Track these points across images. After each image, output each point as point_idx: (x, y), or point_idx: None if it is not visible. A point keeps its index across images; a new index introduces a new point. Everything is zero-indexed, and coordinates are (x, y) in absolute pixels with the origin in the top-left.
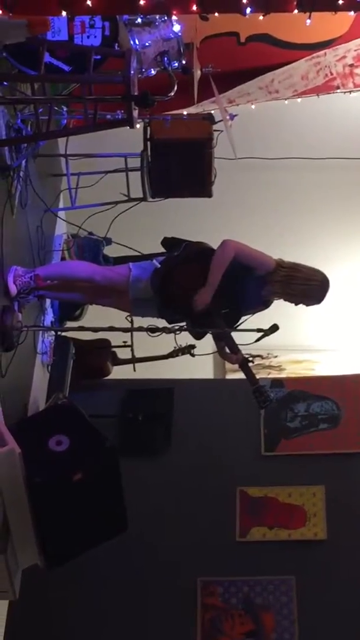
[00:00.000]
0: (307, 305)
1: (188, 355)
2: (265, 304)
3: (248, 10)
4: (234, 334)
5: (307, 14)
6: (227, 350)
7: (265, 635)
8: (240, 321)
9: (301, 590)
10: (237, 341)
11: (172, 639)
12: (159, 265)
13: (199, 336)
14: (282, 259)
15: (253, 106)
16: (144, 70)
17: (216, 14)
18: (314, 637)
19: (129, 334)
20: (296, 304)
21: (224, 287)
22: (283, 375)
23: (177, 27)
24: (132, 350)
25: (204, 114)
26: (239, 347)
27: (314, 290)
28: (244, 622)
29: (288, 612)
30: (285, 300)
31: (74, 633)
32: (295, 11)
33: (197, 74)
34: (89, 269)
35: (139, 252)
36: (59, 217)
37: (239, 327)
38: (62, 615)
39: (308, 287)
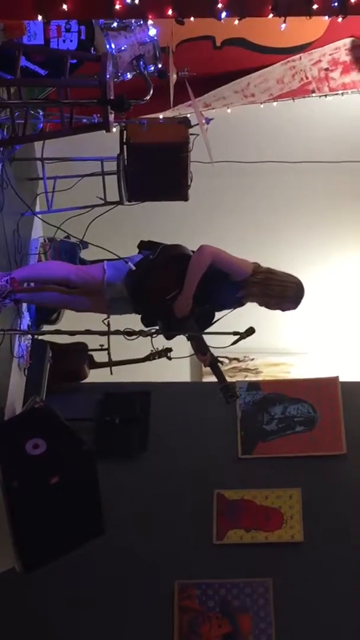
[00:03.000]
0: (284, 309)
1: (165, 359)
2: (240, 303)
3: (223, 14)
4: (209, 337)
5: (282, 18)
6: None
7: (243, 638)
8: (215, 319)
9: (278, 592)
10: (214, 344)
11: None
12: (134, 267)
13: (170, 336)
14: (259, 263)
15: (229, 110)
16: (120, 74)
17: (192, 19)
18: (291, 639)
19: (106, 337)
20: (273, 308)
21: (200, 291)
22: (259, 378)
23: (153, 31)
24: (108, 353)
25: (180, 117)
26: (215, 349)
27: (291, 290)
28: (221, 625)
29: (265, 614)
30: (261, 304)
31: (51, 636)
32: (270, 15)
33: (173, 77)
34: (65, 268)
35: (116, 255)
36: (39, 218)
37: (216, 330)
38: (40, 618)
39: (285, 287)
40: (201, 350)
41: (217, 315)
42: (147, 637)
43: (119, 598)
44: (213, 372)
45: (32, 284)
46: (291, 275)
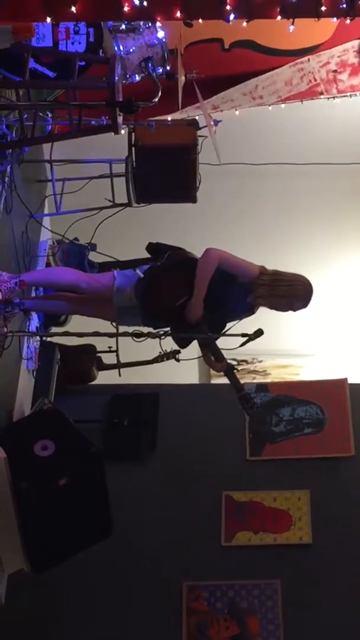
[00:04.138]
0: (295, 308)
1: (173, 361)
2: (251, 310)
3: (232, 16)
4: (218, 339)
5: (290, 20)
6: (212, 358)
7: (251, 639)
8: (226, 328)
9: (286, 594)
10: (222, 346)
11: None
12: (142, 275)
13: (183, 344)
14: (265, 266)
15: (237, 112)
16: (128, 76)
17: (200, 21)
18: None
19: (114, 339)
20: (283, 309)
21: (208, 295)
22: (268, 380)
23: (161, 34)
24: (117, 355)
25: (189, 119)
26: (224, 352)
27: (299, 289)
28: (229, 627)
29: (273, 616)
30: (271, 306)
31: (59, 637)
32: (279, 17)
33: (182, 80)
34: (74, 275)
35: (120, 260)
36: (43, 226)
37: (224, 332)
38: (48, 619)
39: (294, 287)
40: (216, 358)
41: (229, 325)
42: (156, 639)
43: (127, 599)
44: (229, 379)
45: (40, 290)
46: (298, 275)
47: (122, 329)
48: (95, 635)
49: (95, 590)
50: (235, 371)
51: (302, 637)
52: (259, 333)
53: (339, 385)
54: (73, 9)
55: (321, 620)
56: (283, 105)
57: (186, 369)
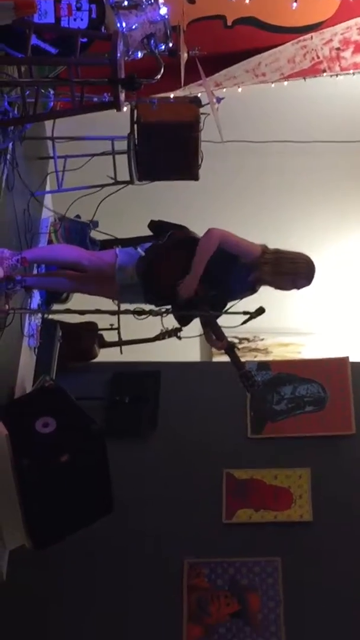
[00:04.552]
0: (299, 286)
1: (175, 338)
2: (252, 289)
3: None
4: (220, 317)
5: None
6: (214, 336)
7: (251, 616)
8: (228, 307)
9: (287, 571)
10: (224, 324)
11: (158, 619)
12: (144, 253)
13: (184, 321)
14: (266, 245)
15: (240, 89)
16: (130, 53)
17: None
18: (300, 618)
19: (116, 316)
20: (286, 287)
21: (210, 275)
22: (269, 358)
23: (163, 10)
24: (118, 332)
25: (191, 97)
26: (226, 330)
27: (302, 267)
28: (229, 603)
29: (274, 593)
30: (274, 285)
31: (60, 613)
32: None
33: (184, 57)
34: (76, 252)
35: (121, 238)
36: (45, 205)
37: (226, 311)
38: (49, 597)
39: (296, 264)
40: (217, 336)
41: (230, 304)
42: (156, 615)
43: (127, 576)
44: (230, 357)
45: (42, 268)
46: (300, 253)
47: (123, 306)
48: (96, 612)
49: (96, 567)
50: (236, 349)
51: (303, 614)
52: (260, 311)
53: (341, 363)
54: None
55: (322, 597)
56: (286, 83)
57: (187, 346)
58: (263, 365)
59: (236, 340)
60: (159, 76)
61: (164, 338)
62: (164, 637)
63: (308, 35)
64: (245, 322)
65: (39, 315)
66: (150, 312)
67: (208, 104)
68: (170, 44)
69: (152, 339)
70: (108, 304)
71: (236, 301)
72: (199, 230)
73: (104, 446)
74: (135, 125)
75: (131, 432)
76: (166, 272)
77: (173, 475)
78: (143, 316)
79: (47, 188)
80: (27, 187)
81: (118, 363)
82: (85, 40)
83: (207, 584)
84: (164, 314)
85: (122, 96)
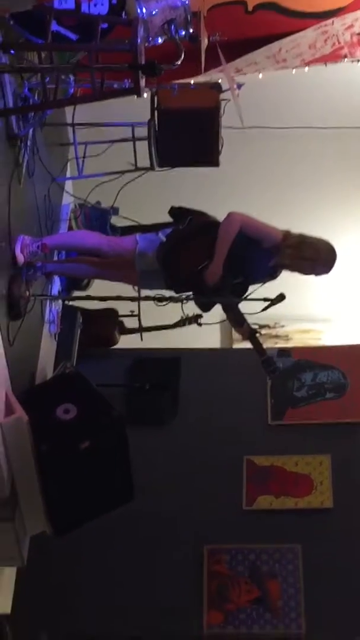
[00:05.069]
0: (318, 273)
1: (195, 325)
2: (273, 275)
3: None
4: (241, 304)
5: None
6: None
7: (271, 603)
8: (248, 292)
9: (307, 558)
10: (244, 310)
11: (179, 605)
12: (164, 239)
13: (206, 307)
14: (289, 230)
15: (260, 75)
16: (150, 38)
17: None
18: (320, 605)
19: (136, 303)
20: (306, 272)
21: (231, 260)
22: (290, 345)
23: None
24: (139, 319)
25: (212, 83)
26: (246, 317)
27: (324, 253)
28: (250, 590)
29: (294, 580)
30: (294, 269)
31: (82, 599)
32: None
33: (205, 42)
34: (97, 239)
35: (140, 223)
36: (65, 191)
37: (246, 297)
38: (70, 583)
39: (318, 250)
40: (238, 322)
41: (250, 289)
42: (177, 601)
43: (149, 562)
44: (252, 343)
45: (62, 254)
46: (323, 239)
47: (144, 292)
48: (117, 598)
49: (117, 554)
50: (258, 335)
51: (323, 601)
52: (280, 298)
53: None
54: None
55: (342, 584)
56: (306, 69)
57: (208, 333)
58: (284, 352)
59: (256, 327)
60: (179, 62)
61: (184, 325)
62: (185, 623)
63: (329, 21)
64: (265, 308)
65: (60, 301)
66: (171, 299)
67: (228, 89)
68: (191, 30)
69: (172, 325)
70: (128, 290)
71: (257, 287)
72: (220, 217)
73: (125, 433)
74: (156, 112)
75: (152, 419)
76: (187, 257)
77: (193, 462)
78: (164, 303)
79: (68, 174)
80: (49, 172)
81: (138, 350)
82: (105, 26)
83: (228, 571)
84: (185, 301)
85: (143, 82)
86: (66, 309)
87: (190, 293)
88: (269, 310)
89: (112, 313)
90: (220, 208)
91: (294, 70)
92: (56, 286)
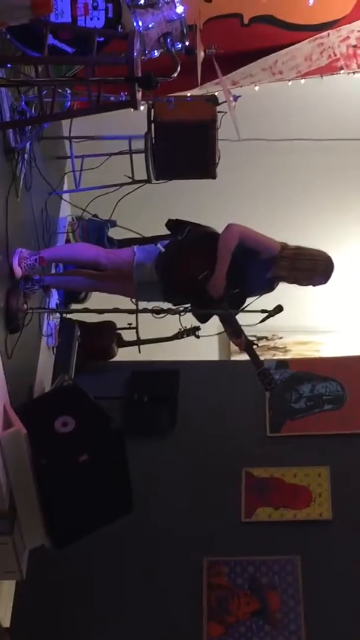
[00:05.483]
0: (315, 284)
1: (193, 337)
2: (270, 287)
3: None
4: (238, 316)
5: None
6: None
7: (271, 615)
8: (245, 304)
9: (307, 570)
10: (242, 322)
11: (178, 618)
12: (163, 249)
13: (203, 319)
14: (286, 242)
15: (257, 87)
16: (147, 51)
17: None
18: (320, 617)
19: (134, 315)
20: (303, 284)
21: (229, 271)
22: (288, 356)
23: (180, 9)
24: (137, 332)
25: (208, 95)
26: (244, 328)
27: (321, 264)
28: (249, 602)
29: (294, 591)
30: (291, 281)
31: (80, 613)
32: None
33: (201, 55)
34: (94, 251)
35: (141, 235)
36: (64, 200)
37: (244, 309)
38: (69, 596)
39: (315, 261)
40: (235, 333)
41: (248, 301)
42: (176, 614)
43: (147, 575)
44: (248, 355)
45: (60, 267)
46: (320, 251)
47: (142, 305)
48: (116, 610)
49: (115, 566)
50: (255, 347)
51: (323, 613)
52: (278, 309)
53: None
54: None
55: (342, 595)
56: (303, 81)
57: (206, 345)
58: (282, 364)
59: (254, 339)
60: (175, 75)
61: (182, 337)
62: (185, 636)
63: (325, 33)
64: (263, 320)
65: (58, 314)
66: (169, 311)
67: (225, 102)
68: (187, 43)
69: (170, 337)
70: (126, 303)
71: (254, 298)
72: (217, 229)
73: (123, 445)
74: (152, 124)
75: (150, 431)
76: (186, 267)
77: (192, 473)
78: (161, 315)
79: (65, 187)
80: (49, 184)
81: (136, 362)
82: (101, 39)
83: (227, 583)
84: (182, 313)
85: (139, 95)
86: (64, 321)
87: (188, 305)
88: (267, 321)
89: (110, 326)
90: (218, 220)
91: (290, 82)
92: (54, 299)
